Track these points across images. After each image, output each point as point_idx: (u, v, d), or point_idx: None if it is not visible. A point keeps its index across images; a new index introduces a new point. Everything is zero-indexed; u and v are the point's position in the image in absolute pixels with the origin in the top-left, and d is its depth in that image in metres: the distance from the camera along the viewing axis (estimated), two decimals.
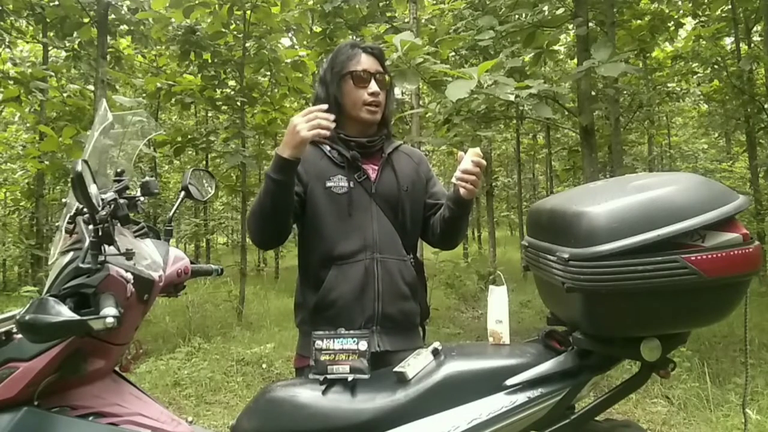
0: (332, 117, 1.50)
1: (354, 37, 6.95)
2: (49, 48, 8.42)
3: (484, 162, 1.53)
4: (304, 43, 7.60)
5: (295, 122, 1.48)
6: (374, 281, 1.62)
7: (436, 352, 1.39)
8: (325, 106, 1.52)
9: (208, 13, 6.09)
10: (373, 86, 1.66)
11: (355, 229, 1.63)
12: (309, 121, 1.47)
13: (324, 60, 7.83)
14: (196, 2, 5.79)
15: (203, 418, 3.51)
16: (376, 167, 1.71)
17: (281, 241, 1.64)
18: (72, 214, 1.37)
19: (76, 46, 7.50)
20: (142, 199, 1.56)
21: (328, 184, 1.65)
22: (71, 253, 1.31)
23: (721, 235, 1.17)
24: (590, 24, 5.41)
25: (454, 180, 1.55)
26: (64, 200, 1.51)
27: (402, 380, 1.33)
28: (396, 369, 1.35)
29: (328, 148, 1.70)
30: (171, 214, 1.77)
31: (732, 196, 1.21)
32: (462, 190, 1.57)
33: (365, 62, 1.68)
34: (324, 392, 1.34)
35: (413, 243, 1.77)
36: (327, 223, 1.63)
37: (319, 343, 1.40)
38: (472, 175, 1.53)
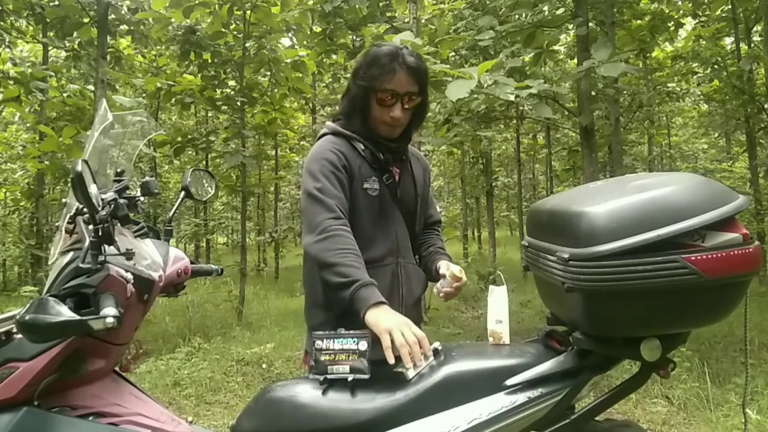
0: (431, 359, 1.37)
1: (354, 38, 6.95)
2: (49, 48, 8.43)
3: (463, 281, 1.60)
4: (304, 43, 7.60)
5: (410, 341, 1.30)
6: (399, 286, 1.62)
7: (436, 352, 1.39)
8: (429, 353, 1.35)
9: (208, 13, 6.08)
10: (397, 111, 1.59)
11: (384, 232, 1.63)
12: (415, 352, 1.31)
13: (324, 59, 7.77)
14: (196, 2, 5.79)
15: (203, 418, 3.51)
16: (398, 170, 1.70)
17: None
18: (72, 214, 1.37)
19: (76, 46, 7.51)
20: (142, 199, 1.56)
21: (365, 185, 1.61)
22: (71, 253, 1.31)
23: (721, 235, 1.17)
24: (590, 24, 5.42)
25: (435, 291, 1.64)
26: (64, 200, 1.51)
27: (402, 380, 1.33)
28: (396, 369, 1.35)
29: (362, 147, 1.64)
30: (171, 214, 1.77)
31: (732, 196, 1.21)
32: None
33: (398, 81, 1.57)
34: (324, 392, 1.34)
35: (416, 245, 1.79)
36: (361, 225, 1.60)
37: (319, 343, 1.39)
38: (453, 295, 1.62)
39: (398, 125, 1.63)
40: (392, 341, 1.30)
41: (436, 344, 1.42)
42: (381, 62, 1.59)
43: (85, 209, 1.26)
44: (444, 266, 1.63)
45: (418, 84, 1.61)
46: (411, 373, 1.33)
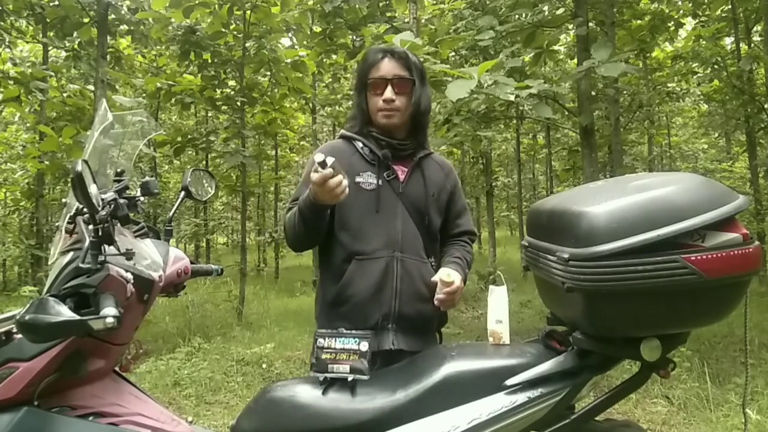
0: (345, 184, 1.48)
1: (354, 38, 6.95)
2: (49, 48, 8.41)
3: (454, 287, 1.60)
4: (304, 43, 7.59)
5: (331, 184, 1.43)
6: (393, 279, 1.62)
7: (323, 165, 1.40)
8: (328, 172, 1.44)
9: (208, 13, 6.09)
10: (388, 93, 1.66)
11: (380, 226, 1.64)
12: (338, 185, 1.44)
13: (324, 59, 7.76)
14: (196, 2, 5.79)
15: (203, 418, 3.51)
16: (406, 169, 1.73)
17: (317, 244, 1.71)
18: (72, 214, 1.37)
19: (76, 46, 7.50)
20: (142, 199, 1.56)
21: (358, 179, 1.66)
22: (71, 253, 1.31)
23: (721, 235, 1.17)
24: (590, 24, 5.42)
25: (435, 301, 1.63)
26: (64, 200, 1.51)
27: (402, 380, 1.33)
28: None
29: (361, 144, 1.72)
30: (171, 214, 1.77)
31: (732, 196, 1.21)
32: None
33: (384, 68, 1.68)
34: (324, 392, 1.35)
35: (435, 248, 1.78)
36: (353, 218, 1.64)
37: (321, 341, 1.40)
38: (448, 302, 1.62)
39: (394, 109, 1.68)
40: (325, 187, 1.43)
41: (319, 156, 1.42)
42: (370, 56, 1.73)
43: (85, 209, 1.26)
44: (438, 273, 1.63)
45: (407, 69, 1.70)
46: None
